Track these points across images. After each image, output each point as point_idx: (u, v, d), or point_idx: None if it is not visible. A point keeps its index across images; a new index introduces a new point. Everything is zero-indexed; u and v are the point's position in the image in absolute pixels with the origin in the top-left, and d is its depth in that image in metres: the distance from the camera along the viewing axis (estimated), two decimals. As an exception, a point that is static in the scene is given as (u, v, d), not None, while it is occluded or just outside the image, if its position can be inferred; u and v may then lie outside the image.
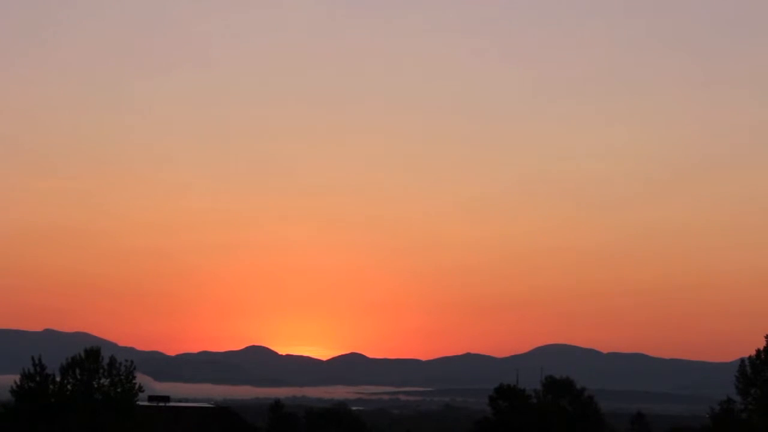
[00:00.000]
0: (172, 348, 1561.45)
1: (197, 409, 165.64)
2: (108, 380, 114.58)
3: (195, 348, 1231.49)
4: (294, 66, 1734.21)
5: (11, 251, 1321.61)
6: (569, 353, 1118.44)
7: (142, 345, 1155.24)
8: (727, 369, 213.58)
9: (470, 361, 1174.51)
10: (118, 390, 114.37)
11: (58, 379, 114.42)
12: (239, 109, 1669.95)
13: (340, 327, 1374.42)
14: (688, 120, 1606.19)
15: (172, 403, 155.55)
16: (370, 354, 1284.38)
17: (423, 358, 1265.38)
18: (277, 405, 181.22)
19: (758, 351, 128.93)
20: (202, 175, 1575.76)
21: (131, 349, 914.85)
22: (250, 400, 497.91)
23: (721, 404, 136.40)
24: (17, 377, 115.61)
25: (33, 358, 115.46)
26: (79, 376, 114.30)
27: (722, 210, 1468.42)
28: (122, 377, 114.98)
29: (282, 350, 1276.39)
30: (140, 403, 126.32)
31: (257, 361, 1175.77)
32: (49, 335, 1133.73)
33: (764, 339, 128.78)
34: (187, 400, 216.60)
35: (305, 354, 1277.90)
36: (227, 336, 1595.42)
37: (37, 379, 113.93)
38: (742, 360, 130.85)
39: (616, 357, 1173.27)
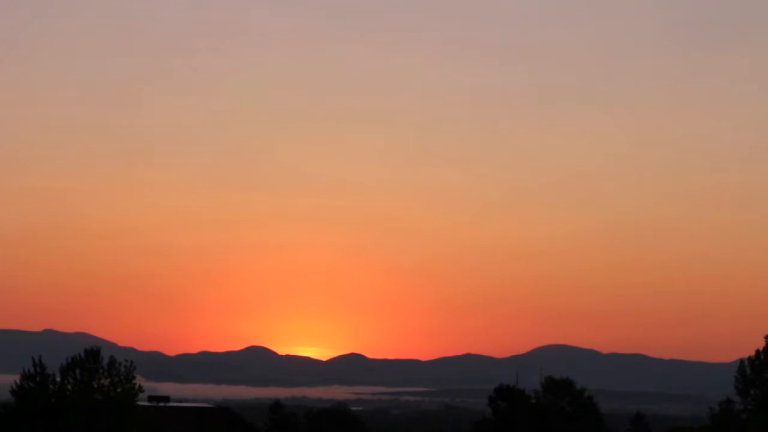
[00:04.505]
0: (172, 348, 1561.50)
1: (197, 409, 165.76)
2: (108, 380, 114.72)
3: (195, 348, 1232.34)
4: (293, 66, 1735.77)
5: (11, 251, 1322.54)
6: (569, 353, 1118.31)
7: (142, 345, 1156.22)
8: (726, 369, 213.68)
9: (470, 361, 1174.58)
10: (118, 390, 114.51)
11: (58, 379, 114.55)
12: (240, 108, 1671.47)
13: (340, 327, 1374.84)
14: (687, 118, 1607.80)
15: (172, 403, 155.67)
16: (370, 354, 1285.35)
17: (423, 358, 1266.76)
18: (276, 405, 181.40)
19: (758, 352, 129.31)
20: (202, 174, 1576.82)
21: (131, 349, 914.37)
22: (250, 400, 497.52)
23: (720, 404, 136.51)
24: (17, 377, 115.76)
25: (33, 358, 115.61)
26: (79, 376, 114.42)
27: (723, 210, 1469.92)
28: (122, 377, 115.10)
29: (282, 350, 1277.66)
30: (140, 403, 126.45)
31: (257, 361, 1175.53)
32: (49, 335, 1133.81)
33: (764, 340, 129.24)
34: (187, 400, 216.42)
35: (305, 354, 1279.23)
36: (227, 336, 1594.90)
37: (37, 379, 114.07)
38: (742, 360, 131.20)
39: (615, 357, 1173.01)
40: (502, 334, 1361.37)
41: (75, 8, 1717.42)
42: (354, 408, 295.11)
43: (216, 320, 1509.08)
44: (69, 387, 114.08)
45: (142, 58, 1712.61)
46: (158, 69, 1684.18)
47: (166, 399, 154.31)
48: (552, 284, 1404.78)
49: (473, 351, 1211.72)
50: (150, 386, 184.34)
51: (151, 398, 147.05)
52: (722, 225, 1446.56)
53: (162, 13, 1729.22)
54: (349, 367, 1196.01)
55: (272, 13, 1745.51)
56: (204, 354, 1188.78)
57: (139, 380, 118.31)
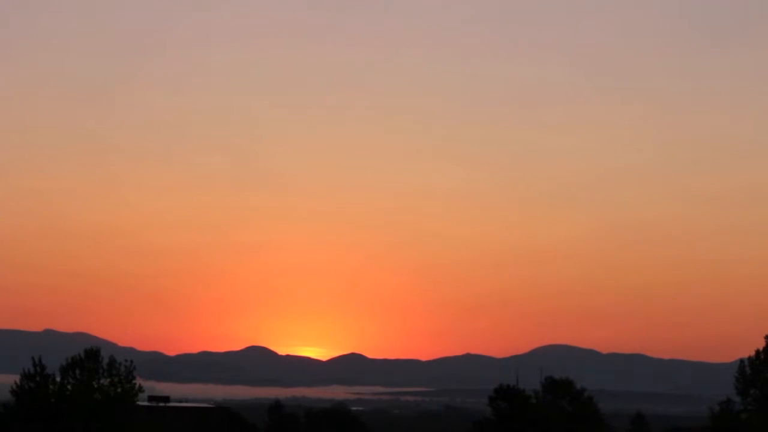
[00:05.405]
0: (172, 348, 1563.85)
1: (197, 409, 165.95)
2: (108, 380, 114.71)
3: (195, 348, 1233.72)
4: (291, 67, 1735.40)
5: (11, 251, 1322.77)
6: (569, 353, 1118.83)
7: (142, 345, 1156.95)
8: (727, 369, 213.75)
9: (470, 362, 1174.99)
10: (118, 390, 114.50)
11: (58, 379, 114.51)
12: (239, 109, 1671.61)
13: (340, 327, 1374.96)
14: (687, 115, 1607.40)
15: (172, 403, 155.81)
16: (370, 354, 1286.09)
17: (423, 358, 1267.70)
18: (276, 405, 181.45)
19: (757, 352, 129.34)
20: (201, 174, 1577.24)
21: (131, 349, 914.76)
22: (250, 400, 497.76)
23: (720, 405, 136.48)
24: (17, 377, 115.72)
25: (33, 358, 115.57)
26: (79, 376, 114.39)
27: (724, 209, 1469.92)
28: (122, 377, 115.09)
29: (282, 350, 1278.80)
30: (140, 403, 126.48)
31: (257, 362, 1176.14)
32: (49, 335, 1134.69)
33: (764, 340, 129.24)
34: (187, 400, 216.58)
35: (305, 354, 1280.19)
36: (227, 336, 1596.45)
37: (37, 379, 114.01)
38: (742, 361, 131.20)
39: (615, 357, 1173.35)
40: (502, 335, 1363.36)
41: (60, 8, 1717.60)
42: (354, 408, 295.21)
43: (216, 320, 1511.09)
44: (69, 387, 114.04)
45: (129, 58, 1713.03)
46: (149, 68, 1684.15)
47: (166, 399, 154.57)
48: (552, 285, 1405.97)
49: (473, 351, 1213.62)
50: (150, 386, 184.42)
51: (151, 398, 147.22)
52: (722, 226, 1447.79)
53: (150, 12, 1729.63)
54: (349, 367, 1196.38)
55: (268, 11, 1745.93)
56: (204, 354, 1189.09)
57: (139, 380, 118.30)
